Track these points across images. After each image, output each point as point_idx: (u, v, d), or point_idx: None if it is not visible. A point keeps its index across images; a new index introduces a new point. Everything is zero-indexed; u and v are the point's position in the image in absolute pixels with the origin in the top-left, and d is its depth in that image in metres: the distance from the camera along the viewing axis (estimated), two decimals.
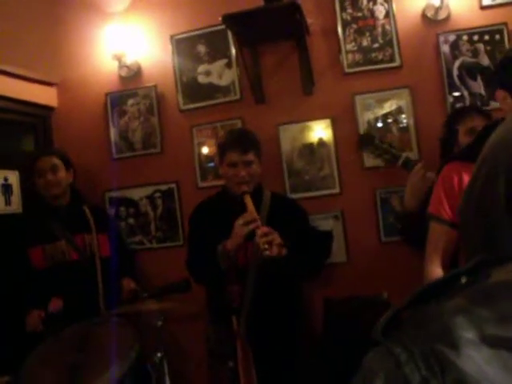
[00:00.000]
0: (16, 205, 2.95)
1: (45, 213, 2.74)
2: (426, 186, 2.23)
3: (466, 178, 1.72)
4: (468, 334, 0.46)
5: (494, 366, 0.44)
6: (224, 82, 3.22)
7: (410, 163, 2.34)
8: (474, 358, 0.45)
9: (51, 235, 2.66)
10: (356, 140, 2.89)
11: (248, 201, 2.36)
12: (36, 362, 2.09)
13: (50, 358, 2.10)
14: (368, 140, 2.47)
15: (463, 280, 0.55)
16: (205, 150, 3.23)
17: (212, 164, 3.21)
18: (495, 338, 0.46)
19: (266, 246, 2.17)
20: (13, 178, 2.95)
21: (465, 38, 2.92)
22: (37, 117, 3.40)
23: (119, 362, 1.94)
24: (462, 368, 0.44)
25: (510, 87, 1.56)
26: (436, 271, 1.76)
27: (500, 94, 1.61)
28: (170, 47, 3.28)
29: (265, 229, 2.24)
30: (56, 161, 2.77)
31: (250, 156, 2.48)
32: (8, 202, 2.90)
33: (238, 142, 2.49)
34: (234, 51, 3.19)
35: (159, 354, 2.24)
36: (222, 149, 2.55)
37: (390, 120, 3.00)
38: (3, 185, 2.89)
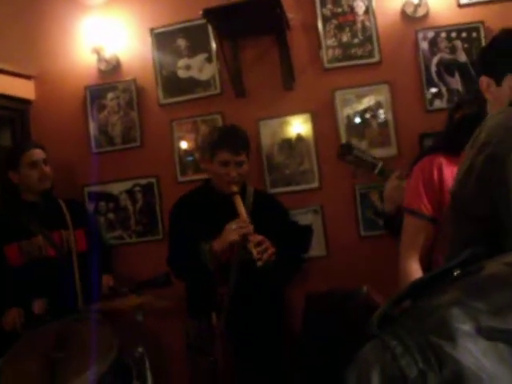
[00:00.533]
0: None
1: (21, 208, 2.68)
2: (401, 193, 2.20)
3: (447, 172, 1.69)
4: (465, 326, 0.46)
5: (490, 358, 0.44)
6: (204, 76, 3.21)
7: (384, 172, 2.35)
8: (471, 350, 0.45)
9: (28, 231, 2.61)
10: (337, 145, 2.89)
11: (238, 203, 2.35)
12: (13, 359, 2.06)
13: (27, 356, 2.07)
14: (347, 150, 2.47)
15: (455, 272, 0.55)
16: (185, 144, 3.22)
17: (191, 158, 3.20)
18: (491, 330, 0.45)
19: (259, 256, 2.17)
20: None
21: (443, 35, 2.96)
22: (14, 110, 3.34)
23: (100, 360, 1.93)
24: (459, 360, 0.44)
25: (495, 73, 1.43)
26: (413, 267, 1.72)
27: (484, 80, 1.45)
28: (149, 41, 3.24)
29: (258, 237, 2.24)
30: (44, 154, 2.74)
31: (242, 157, 2.46)
32: None
33: (230, 141, 2.45)
34: (214, 45, 3.17)
35: (140, 349, 2.23)
36: (213, 147, 2.49)
37: (368, 115, 3.02)
38: None
